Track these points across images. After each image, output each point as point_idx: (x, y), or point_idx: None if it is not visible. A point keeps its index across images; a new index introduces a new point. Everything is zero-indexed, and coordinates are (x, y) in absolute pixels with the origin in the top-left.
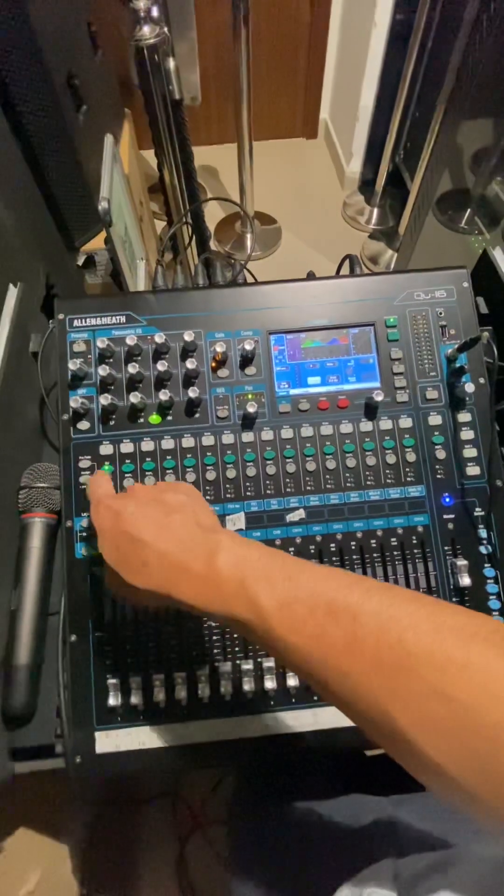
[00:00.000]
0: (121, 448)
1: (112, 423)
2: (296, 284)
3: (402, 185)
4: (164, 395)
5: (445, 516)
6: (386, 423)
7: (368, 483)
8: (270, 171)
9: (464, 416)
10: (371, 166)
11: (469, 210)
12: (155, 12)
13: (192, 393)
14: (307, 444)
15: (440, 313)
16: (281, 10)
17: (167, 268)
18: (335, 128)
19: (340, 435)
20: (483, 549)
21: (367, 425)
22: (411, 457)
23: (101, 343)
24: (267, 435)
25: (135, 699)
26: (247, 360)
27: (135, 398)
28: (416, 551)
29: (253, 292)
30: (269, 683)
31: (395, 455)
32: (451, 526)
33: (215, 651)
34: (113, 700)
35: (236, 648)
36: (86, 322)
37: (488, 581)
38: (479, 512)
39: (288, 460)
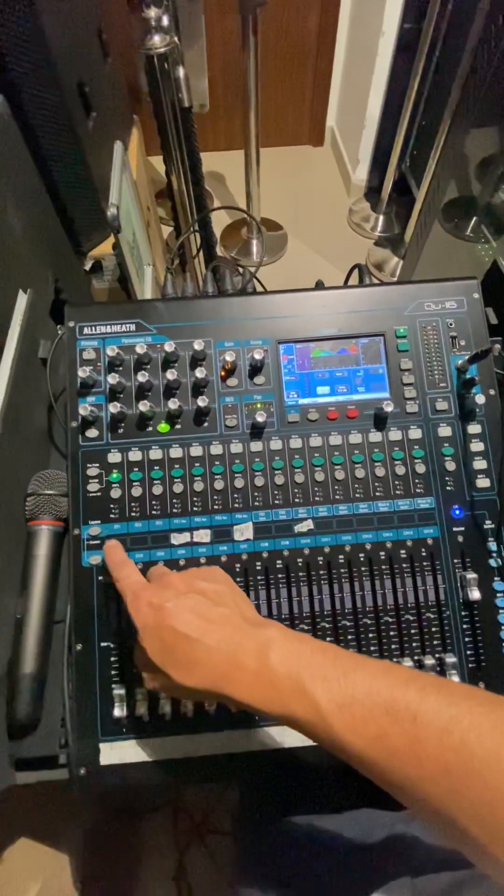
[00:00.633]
0: (129, 456)
1: (121, 431)
2: (305, 294)
3: (408, 193)
4: (173, 404)
5: (455, 529)
6: (395, 434)
7: (377, 494)
8: (277, 177)
9: (474, 428)
10: (377, 174)
11: (475, 218)
12: (165, 21)
13: (201, 402)
14: (316, 454)
15: (450, 324)
16: (289, 18)
17: (175, 274)
18: (342, 135)
19: (349, 445)
20: (493, 563)
21: (376, 436)
22: (421, 468)
23: (111, 351)
24: (275, 444)
25: (140, 711)
26: (256, 369)
27: (144, 406)
28: (425, 564)
29: (262, 301)
30: None
31: (405, 466)
32: (460, 538)
33: None
34: (118, 711)
35: None
36: (96, 330)
37: (498, 595)
38: (489, 524)
39: (296, 470)
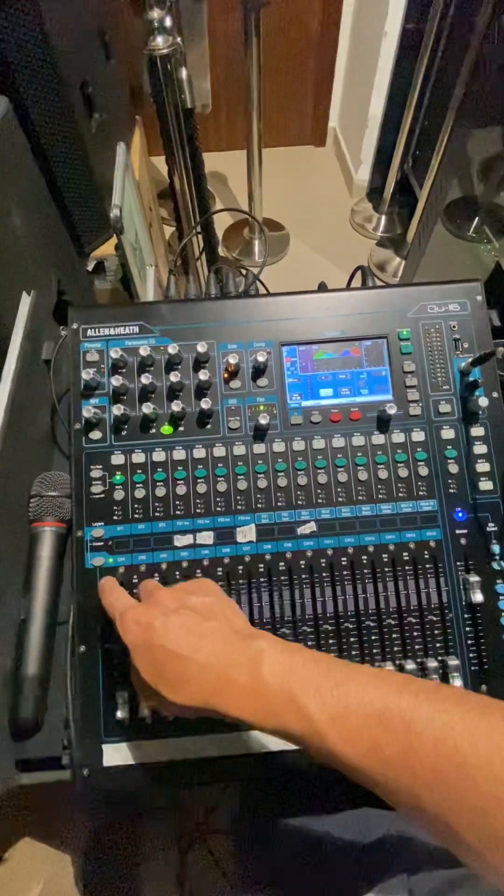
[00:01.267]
0: (132, 458)
1: (124, 433)
2: (308, 296)
3: (410, 193)
4: (176, 406)
5: (458, 531)
6: (398, 437)
7: (380, 496)
8: (279, 178)
9: (477, 431)
10: (379, 174)
11: (477, 218)
12: (168, 23)
13: (205, 404)
14: (319, 457)
15: (453, 326)
16: (291, 19)
17: (177, 275)
18: (344, 136)
19: (352, 447)
20: (496, 566)
21: (379, 438)
22: (424, 471)
23: (115, 353)
24: (278, 447)
25: (143, 712)
26: (259, 371)
27: (147, 409)
28: (427, 566)
29: (265, 303)
30: None
31: (408, 469)
32: (463, 541)
33: None
34: (121, 713)
35: None
36: (99, 332)
37: (501, 598)
38: (492, 527)
39: (299, 472)
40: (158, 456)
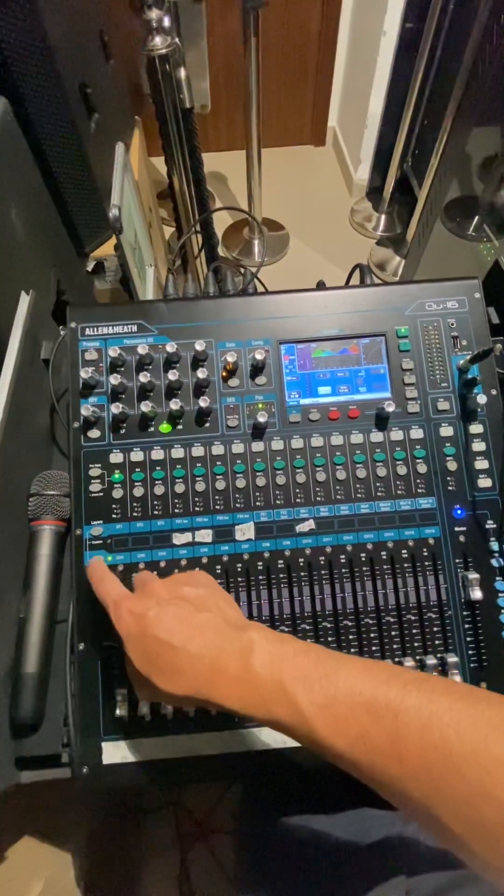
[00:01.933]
0: (131, 457)
1: (122, 431)
2: (306, 294)
3: (409, 192)
4: (174, 405)
5: (457, 529)
6: (397, 434)
7: (379, 494)
8: (279, 177)
9: (475, 428)
10: (379, 173)
11: (477, 217)
12: (167, 23)
13: (203, 402)
14: (317, 455)
15: (452, 324)
16: (290, 18)
17: (177, 275)
18: (343, 135)
19: (351, 445)
20: (495, 563)
21: (377, 436)
22: (422, 468)
23: (113, 352)
24: (277, 445)
25: (142, 710)
26: (257, 369)
27: (145, 407)
28: (426, 564)
29: (264, 302)
30: None
31: (406, 466)
32: (462, 538)
33: None
34: (120, 710)
35: None
36: (98, 331)
37: (500, 595)
38: (490, 524)
39: (298, 470)
40: (157, 454)
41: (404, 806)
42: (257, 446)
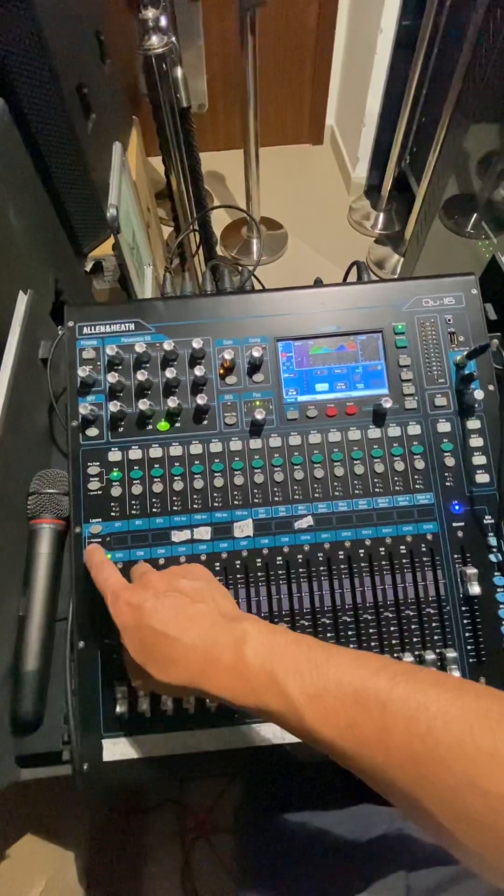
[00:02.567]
0: (129, 455)
1: (121, 429)
2: (303, 291)
3: (408, 190)
4: (172, 402)
5: (455, 524)
6: (394, 430)
7: (377, 490)
8: (277, 176)
9: (473, 424)
10: (377, 171)
11: (475, 215)
12: (163, 22)
13: (201, 400)
14: (315, 451)
15: (449, 320)
16: (287, 17)
17: (174, 274)
18: (341, 134)
19: (349, 442)
20: (493, 558)
21: (375, 432)
22: (420, 464)
23: (111, 350)
24: (275, 442)
25: (142, 707)
26: (255, 367)
27: (143, 405)
28: (425, 559)
29: (261, 299)
30: None
31: (404, 462)
32: (460, 534)
33: None
34: (120, 708)
35: None
36: (95, 329)
37: (498, 590)
38: (488, 520)
39: (296, 467)
40: (155, 452)
41: (391, 796)
42: (255, 443)
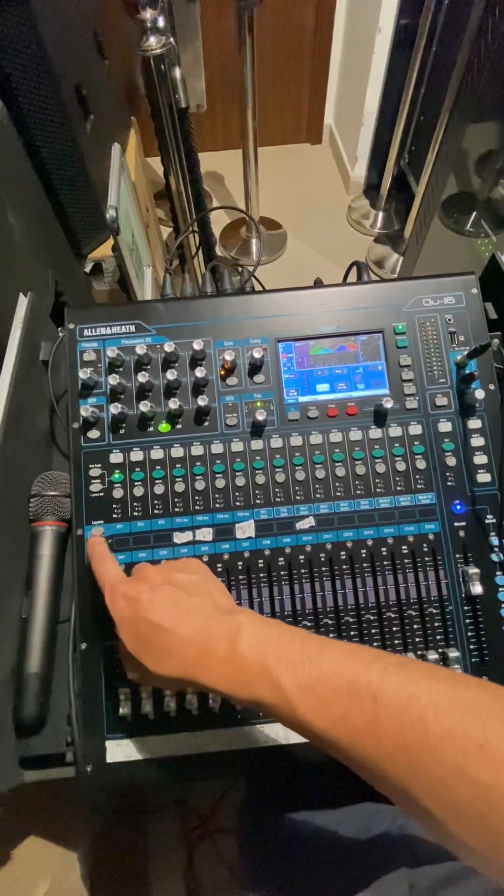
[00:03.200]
0: (130, 456)
1: (122, 431)
2: (304, 292)
3: (407, 189)
4: (173, 404)
5: (456, 524)
6: (395, 431)
7: (378, 490)
8: (275, 176)
9: (474, 423)
10: (376, 170)
11: (475, 213)
12: (161, 23)
13: (202, 401)
14: (316, 452)
15: (449, 319)
16: (285, 17)
17: (174, 275)
18: (340, 133)
19: (350, 442)
20: (495, 557)
21: (376, 432)
22: (421, 464)
23: (111, 352)
24: (276, 443)
25: (145, 708)
26: (255, 367)
27: (144, 407)
28: (427, 559)
29: (261, 300)
30: None
31: (405, 462)
32: (462, 534)
33: None
34: (124, 709)
35: None
36: (96, 331)
37: (500, 589)
38: (490, 519)
39: (297, 468)
40: (156, 454)
41: (383, 787)
42: (256, 444)
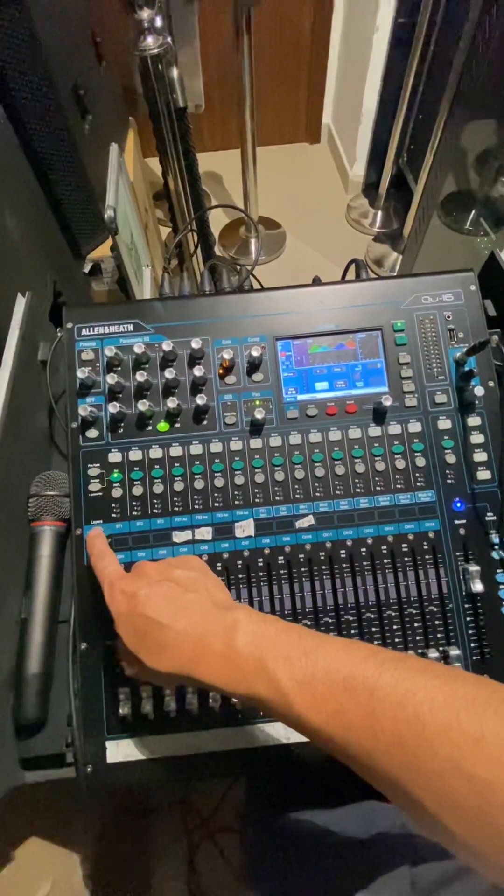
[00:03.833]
0: (129, 456)
1: (120, 431)
2: (302, 290)
3: (405, 188)
4: (172, 403)
5: (456, 521)
6: (395, 428)
7: (378, 489)
8: (274, 176)
9: (473, 420)
10: (374, 169)
11: (474, 211)
12: (158, 22)
13: (200, 400)
14: (316, 450)
15: (448, 317)
16: (283, 16)
17: (173, 274)
18: (338, 132)
19: (349, 440)
20: (495, 555)
21: (375, 430)
22: (421, 462)
23: (110, 352)
24: (275, 441)
25: (146, 708)
26: (254, 366)
27: (143, 406)
28: (427, 557)
29: (259, 298)
30: None
31: (405, 460)
32: (462, 531)
33: None
34: (124, 709)
35: None
36: (94, 331)
37: (501, 587)
38: (490, 517)
39: (296, 466)
40: (155, 453)
41: (379, 783)
42: (255, 443)
